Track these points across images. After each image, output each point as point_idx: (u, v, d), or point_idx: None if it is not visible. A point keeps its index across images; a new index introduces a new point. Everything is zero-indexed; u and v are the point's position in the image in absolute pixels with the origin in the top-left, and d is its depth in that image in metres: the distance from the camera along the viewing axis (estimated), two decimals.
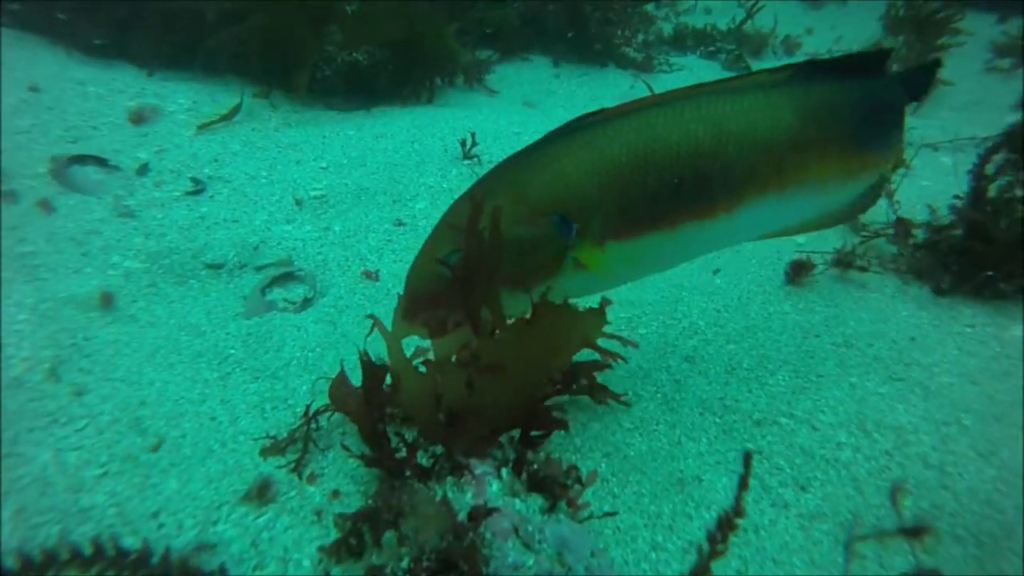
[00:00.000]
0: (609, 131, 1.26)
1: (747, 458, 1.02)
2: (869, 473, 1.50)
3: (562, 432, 1.43)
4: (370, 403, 1.35)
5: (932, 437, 1.58)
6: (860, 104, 1.34)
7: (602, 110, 1.31)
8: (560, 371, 1.26)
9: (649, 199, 1.26)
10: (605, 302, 1.28)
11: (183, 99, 3.26)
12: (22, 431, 1.53)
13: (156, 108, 3.11)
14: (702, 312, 2.03)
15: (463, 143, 2.80)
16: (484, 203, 1.20)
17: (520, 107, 3.76)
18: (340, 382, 1.45)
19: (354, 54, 3.58)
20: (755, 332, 1.97)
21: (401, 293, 1.37)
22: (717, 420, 1.64)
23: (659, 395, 1.69)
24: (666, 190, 1.26)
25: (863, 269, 2.19)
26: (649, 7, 4.99)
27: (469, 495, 1.17)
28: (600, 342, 1.42)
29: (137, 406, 1.64)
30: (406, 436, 1.41)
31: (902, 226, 2.26)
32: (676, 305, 2.06)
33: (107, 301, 2.01)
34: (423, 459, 1.33)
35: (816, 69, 1.33)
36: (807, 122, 1.29)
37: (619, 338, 1.28)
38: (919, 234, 2.26)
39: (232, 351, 1.89)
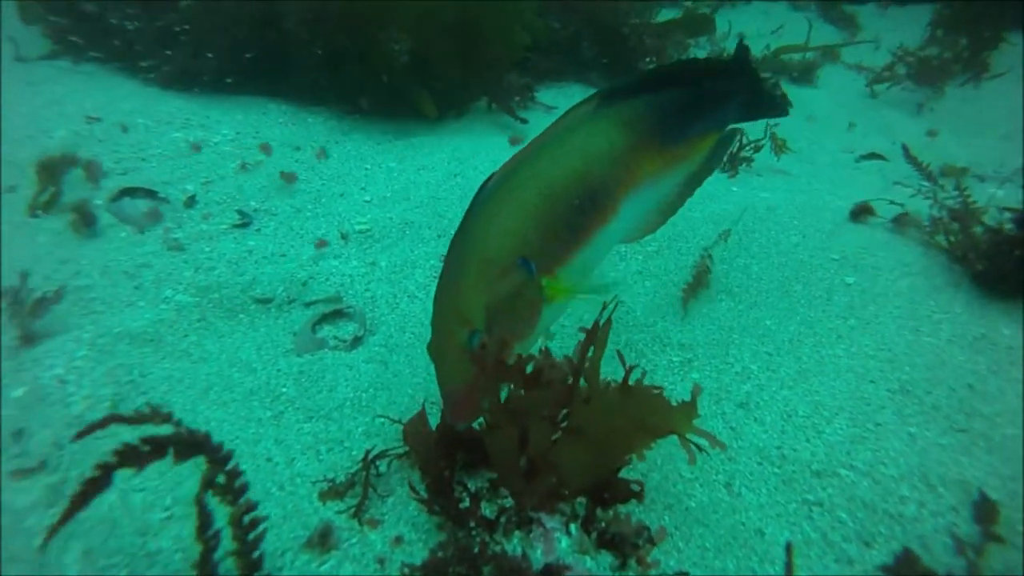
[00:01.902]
0: (515, 183, 1.51)
1: (788, 549, 1.09)
2: (935, 530, 1.49)
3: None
4: (447, 448, 1.37)
5: (999, 493, 1.56)
6: (655, 113, 1.68)
7: (492, 174, 1.56)
8: (641, 451, 1.28)
9: (567, 224, 1.52)
10: (697, 390, 1.30)
11: (227, 130, 3.35)
12: (88, 472, 1.56)
13: (202, 140, 3.20)
14: (754, 356, 2.03)
15: None
16: (463, 285, 1.39)
17: None
18: (418, 421, 1.47)
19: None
20: (808, 377, 1.96)
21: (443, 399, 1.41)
22: (776, 470, 1.64)
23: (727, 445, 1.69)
24: (574, 212, 1.53)
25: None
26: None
27: (539, 551, 1.18)
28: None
29: None
30: (469, 485, 1.43)
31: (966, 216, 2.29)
32: (728, 348, 2.06)
33: None
34: (487, 510, 1.35)
35: (613, 93, 1.65)
36: (628, 131, 1.62)
37: (709, 436, 1.29)
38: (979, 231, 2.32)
39: (284, 389, 1.93)
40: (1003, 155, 3.70)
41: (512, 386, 1.34)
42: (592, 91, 4.54)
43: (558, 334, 2.11)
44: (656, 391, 1.32)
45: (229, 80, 3.75)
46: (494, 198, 1.49)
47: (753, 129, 3.38)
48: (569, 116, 1.63)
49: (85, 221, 2.52)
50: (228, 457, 1.19)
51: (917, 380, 1.93)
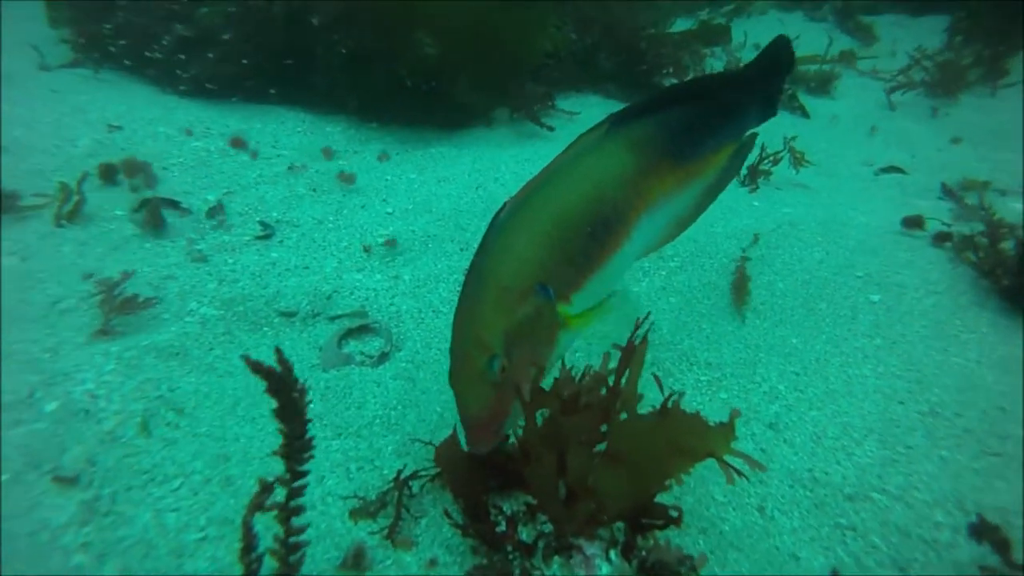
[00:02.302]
0: (529, 210, 1.52)
1: None
2: (972, 559, 1.48)
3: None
4: (479, 472, 1.38)
5: None
6: (666, 132, 1.69)
7: (506, 201, 1.56)
8: (679, 475, 1.28)
9: (582, 250, 1.52)
10: (735, 414, 1.30)
11: (248, 139, 3.37)
12: (121, 489, 1.58)
13: (224, 150, 3.22)
14: (781, 376, 2.03)
15: None
16: (481, 311, 1.39)
17: None
18: (450, 444, 1.48)
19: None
20: (836, 398, 1.96)
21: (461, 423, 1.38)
22: (808, 494, 1.64)
23: (744, 467, 1.69)
24: (587, 238, 1.53)
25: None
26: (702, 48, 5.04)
27: None
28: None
29: (226, 463, 1.69)
30: (504, 507, 1.43)
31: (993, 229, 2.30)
32: (755, 367, 2.06)
33: None
34: (524, 534, 1.35)
35: (625, 116, 1.65)
36: (639, 153, 1.62)
37: (747, 458, 1.29)
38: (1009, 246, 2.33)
39: (312, 406, 1.93)
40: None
41: (548, 411, 1.34)
42: (609, 101, 4.60)
43: (575, 347, 2.12)
44: (693, 413, 1.32)
45: (248, 84, 3.78)
46: (509, 225, 1.50)
47: (772, 142, 3.39)
48: (580, 142, 1.64)
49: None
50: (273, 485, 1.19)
51: (947, 402, 1.93)
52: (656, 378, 1.38)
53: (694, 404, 1.89)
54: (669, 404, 1.31)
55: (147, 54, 3.76)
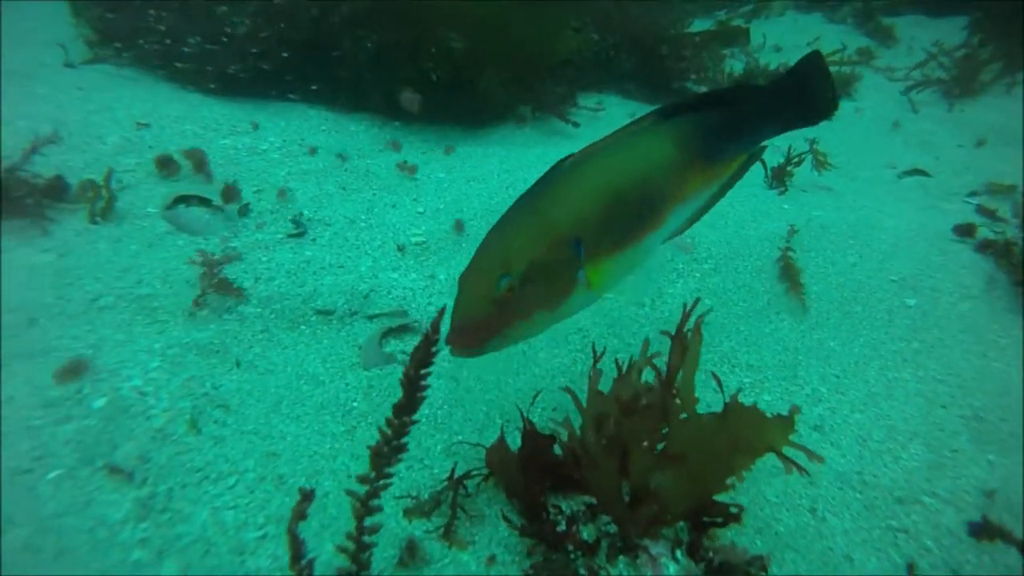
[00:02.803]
0: (589, 170, 1.58)
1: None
2: None
3: None
4: (531, 474, 1.39)
5: None
6: (703, 132, 1.76)
7: (570, 155, 1.62)
8: (740, 473, 1.29)
9: (626, 221, 1.58)
10: (794, 409, 1.31)
11: (273, 137, 3.39)
12: (176, 487, 1.59)
13: (250, 147, 3.23)
14: (822, 378, 2.05)
15: None
16: (518, 235, 1.45)
17: None
18: (498, 448, 1.49)
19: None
20: (878, 401, 1.98)
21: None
22: (858, 496, 1.65)
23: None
24: (632, 211, 1.59)
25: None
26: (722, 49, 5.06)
27: None
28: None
29: (276, 461, 1.70)
30: (563, 507, 1.45)
31: None
32: (795, 369, 2.07)
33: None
34: (585, 533, 1.37)
35: (670, 112, 1.73)
36: (681, 149, 1.70)
37: (806, 450, 1.30)
38: None
39: (355, 404, 1.95)
40: None
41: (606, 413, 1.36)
42: (630, 102, 4.62)
43: (590, 330, 2.14)
44: (751, 407, 1.32)
45: (272, 81, 3.80)
46: (568, 177, 1.56)
47: (796, 144, 3.40)
48: (633, 126, 1.72)
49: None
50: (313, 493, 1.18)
51: (990, 407, 1.94)
52: (716, 377, 1.40)
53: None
54: (729, 400, 1.32)
55: (176, 51, 3.77)
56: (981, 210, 3.12)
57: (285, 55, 3.77)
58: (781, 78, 2.08)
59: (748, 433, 1.26)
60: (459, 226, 2.75)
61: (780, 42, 5.46)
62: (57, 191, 2.59)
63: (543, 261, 1.43)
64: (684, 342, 1.38)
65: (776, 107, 1.99)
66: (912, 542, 1.55)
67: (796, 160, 3.42)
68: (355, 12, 3.60)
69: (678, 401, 1.35)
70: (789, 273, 2.46)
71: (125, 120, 3.24)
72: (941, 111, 4.84)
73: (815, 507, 1.61)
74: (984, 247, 2.70)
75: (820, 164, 3.63)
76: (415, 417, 1.91)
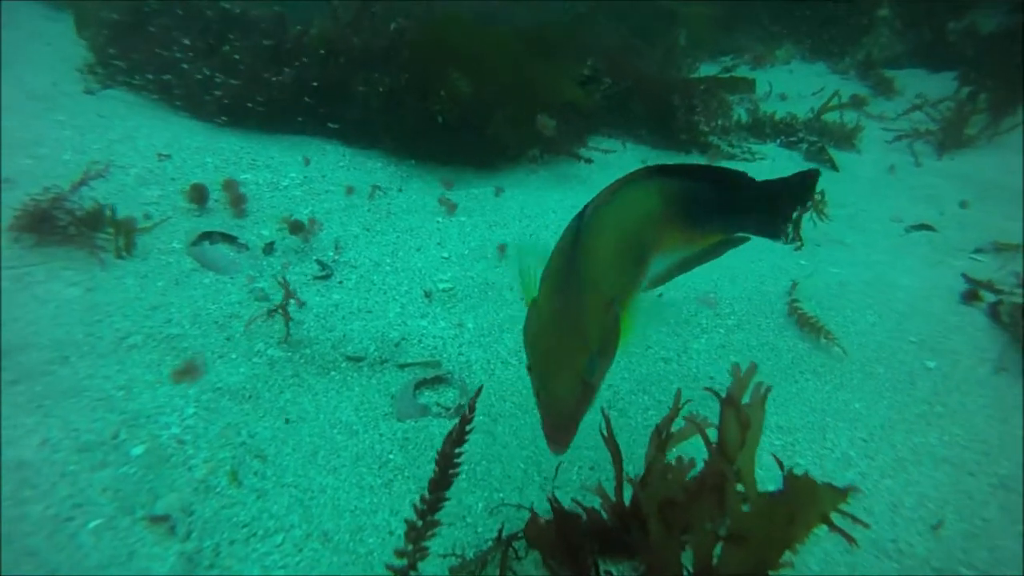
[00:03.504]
0: (605, 224, 1.65)
1: None
2: None
3: None
4: (572, 543, 1.43)
5: None
6: (688, 197, 1.89)
7: (585, 206, 1.67)
8: (796, 546, 1.33)
9: (632, 269, 1.69)
10: (853, 489, 1.35)
11: (294, 172, 3.43)
12: (223, 542, 1.60)
13: (272, 183, 3.27)
14: (851, 442, 2.11)
15: None
16: (585, 313, 1.47)
17: None
18: (533, 523, 1.53)
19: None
20: (907, 466, 2.04)
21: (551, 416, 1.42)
22: (896, 565, 1.70)
23: (834, 535, 1.75)
24: (634, 258, 1.70)
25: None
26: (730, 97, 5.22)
27: None
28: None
29: (320, 517, 1.72)
30: (613, 572, 1.48)
31: None
32: (824, 432, 2.13)
33: None
34: None
35: (663, 170, 1.86)
36: (668, 205, 1.82)
37: (852, 516, 1.35)
38: None
39: (391, 456, 1.97)
40: None
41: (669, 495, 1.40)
42: (641, 147, 4.73)
43: (619, 387, 2.18)
44: (803, 476, 1.36)
45: (286, 116, 3.86)
46: (596, 232, 1.61)
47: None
48: (629, 177, 1.82)
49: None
50: None
51: (1016, 475, 2.01)
52: (777, 460, 1.45)
53: (773, 465, 1.96)
54: (787, 475, 1.37)
55: (191, 82, 3.82)
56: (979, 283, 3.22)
57: (300, 93, 3.83)
58: (775, 182, 2.14)
59: (806, 504, 1.30)
60: (484, 273, 2.80)
61: (786, 91, 5.64)
62: (98, 222, 2.60)
63: (607, 331, 1.48)
64: (742, 414, 1.42)
65: (759, 206, 2.09)
66: None
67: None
68: (366, 50, 3.69)
69: (738, 484, 1.39)
70: (809, 323, 2.55)
71: (146, 150, 3.28)
72: (943, 164, 5.01)
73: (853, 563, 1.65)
74: (994, 313, 2.79)
75: (820, 212, 3.74)
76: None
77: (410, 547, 1.43)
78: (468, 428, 1.55)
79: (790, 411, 2.22)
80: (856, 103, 5.38)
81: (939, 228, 4.04)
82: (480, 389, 1.68)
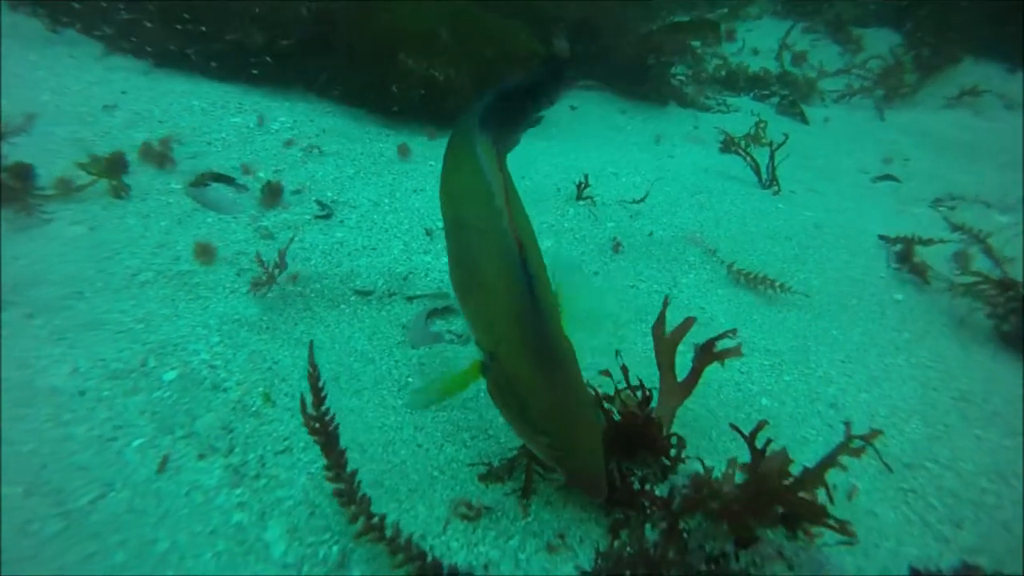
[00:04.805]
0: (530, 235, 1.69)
1: None
2: (1016, 517, 1.81)
3: None
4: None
5: None
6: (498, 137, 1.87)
7: (519, 241, 1.56)
8: None
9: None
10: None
11: (283, 117, 3.45)
12: (268, 454, 1.72)
13: (263, 127, 3.29)
14: (831, 362, 2.33)
15: (578, 185, 3.06)
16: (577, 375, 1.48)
17: (605, 143, 4.05)
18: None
19: (432, 71, 3.73)
20: (880, 383, 2.27)
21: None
22: (874, 462, 1.93)
23: (820, 438, 1.98)
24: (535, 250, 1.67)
25: None
26: (695, 45, 5.34)
27: None
28: None
29: (352, 430, 1.84)
30: (636, 471, 1.66)
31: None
32: (807, 355, 2.35)
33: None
34: (658, 491, 1.58)
35: (484, 125, 1.81)
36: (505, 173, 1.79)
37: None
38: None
39: (410, 379, 2.10)
40: (1005, 187, 4.14)
41: None
42: (615, 97, 4.84)
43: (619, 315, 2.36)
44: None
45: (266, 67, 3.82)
46: (545, 284, 1.57)
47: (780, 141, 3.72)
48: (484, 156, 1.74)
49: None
50: None
51: (975, 390, 2.27)
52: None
53: (764, 383, 2.17)
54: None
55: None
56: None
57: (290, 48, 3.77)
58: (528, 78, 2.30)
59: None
60: None
61: (759, 45, 5.82)
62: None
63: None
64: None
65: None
66: (920, 500, 1.84)
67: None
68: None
69: None
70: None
71: (131, 90, 3.24)
72: (904, 119, 5.29)
73: (841, 472, 1.87)
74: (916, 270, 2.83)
75: (756, 139, 3.97)
76: (473, 390, 2.07)
77: None
78: None
79: (775, 336, 2.43)
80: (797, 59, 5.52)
81: (902, 179, 4.32)
82: None
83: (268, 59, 3.73)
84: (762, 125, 4.15)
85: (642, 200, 3.17)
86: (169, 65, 3.71)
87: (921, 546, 1.72)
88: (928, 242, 2.90)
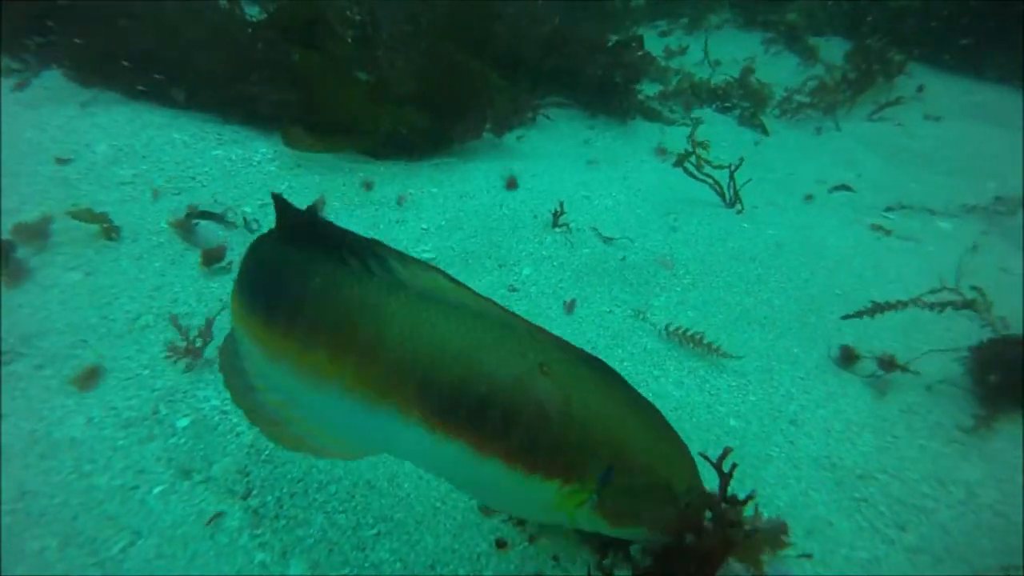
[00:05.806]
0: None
1: None
2: (952, 519, 2.08)
3: None
4: None
5: (995, 492, 2.17)
6: None
7: None
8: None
9: None
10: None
11: (264, 148, 3.57)
12: (284, 496, 1.88)
13: (246, 158, 3.41)
14: (792, 380, 2.58)
15: (554, 213, 3.26)
16: None
17: (576, 163, 4.25)
18: None
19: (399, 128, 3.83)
20: (836, 398, 2.53)
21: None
22: (830, 475, 2.19)
23: (783, 455, 2.23)
24: None
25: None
26: (659, 56, 5.58)
27: None
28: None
29: (359, 468, 2.02)
30: None
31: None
32: (771, 374, 2.59)
33: None
34: None
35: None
36: None
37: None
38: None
39: None
40: (950, 193, 4.48)
41: None
42: (587, 117, 5.04)
43: (596, 342, 2.57)
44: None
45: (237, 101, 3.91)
46: None
47: (745, 153, 3.97)
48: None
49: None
50: None
51: (920, 402, 2.55)
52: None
53: (732, 404, 2.41)
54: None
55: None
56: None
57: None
58: None
59: None
60: (463, 243, 3.09)
61: (721, 56, 6.09)
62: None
63: None
64: None
65: None
66: (871, 508, 2.10)
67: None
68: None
69: None
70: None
71: (110, 126, 3.33)
72: (861, 129, 5.62)
73: (802, 486, 2.12)
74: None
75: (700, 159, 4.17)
76: None
77: None
78: None
79: (743, 357, 2.67)
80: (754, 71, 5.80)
81: (857, 189, 4.62)
82: None
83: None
84: (705, 144, 4.25)
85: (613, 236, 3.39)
86: (144, 97, 3.80)
87: (871, 549, 1.98)
88: None
